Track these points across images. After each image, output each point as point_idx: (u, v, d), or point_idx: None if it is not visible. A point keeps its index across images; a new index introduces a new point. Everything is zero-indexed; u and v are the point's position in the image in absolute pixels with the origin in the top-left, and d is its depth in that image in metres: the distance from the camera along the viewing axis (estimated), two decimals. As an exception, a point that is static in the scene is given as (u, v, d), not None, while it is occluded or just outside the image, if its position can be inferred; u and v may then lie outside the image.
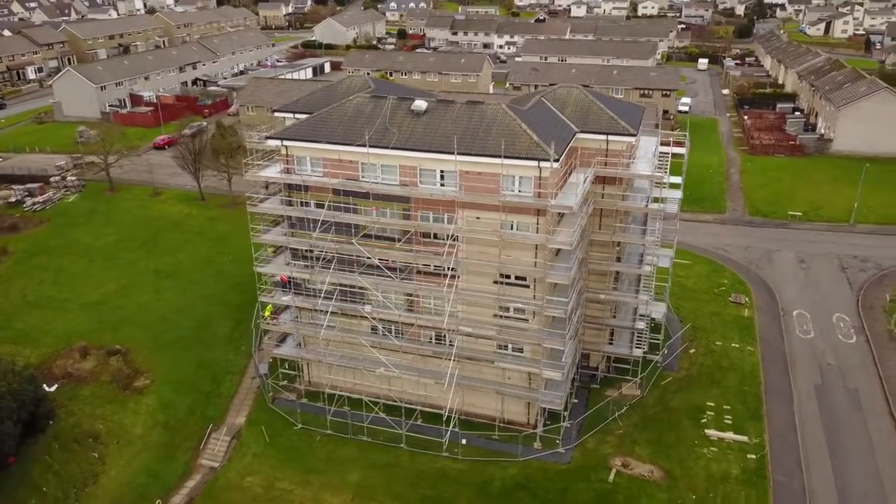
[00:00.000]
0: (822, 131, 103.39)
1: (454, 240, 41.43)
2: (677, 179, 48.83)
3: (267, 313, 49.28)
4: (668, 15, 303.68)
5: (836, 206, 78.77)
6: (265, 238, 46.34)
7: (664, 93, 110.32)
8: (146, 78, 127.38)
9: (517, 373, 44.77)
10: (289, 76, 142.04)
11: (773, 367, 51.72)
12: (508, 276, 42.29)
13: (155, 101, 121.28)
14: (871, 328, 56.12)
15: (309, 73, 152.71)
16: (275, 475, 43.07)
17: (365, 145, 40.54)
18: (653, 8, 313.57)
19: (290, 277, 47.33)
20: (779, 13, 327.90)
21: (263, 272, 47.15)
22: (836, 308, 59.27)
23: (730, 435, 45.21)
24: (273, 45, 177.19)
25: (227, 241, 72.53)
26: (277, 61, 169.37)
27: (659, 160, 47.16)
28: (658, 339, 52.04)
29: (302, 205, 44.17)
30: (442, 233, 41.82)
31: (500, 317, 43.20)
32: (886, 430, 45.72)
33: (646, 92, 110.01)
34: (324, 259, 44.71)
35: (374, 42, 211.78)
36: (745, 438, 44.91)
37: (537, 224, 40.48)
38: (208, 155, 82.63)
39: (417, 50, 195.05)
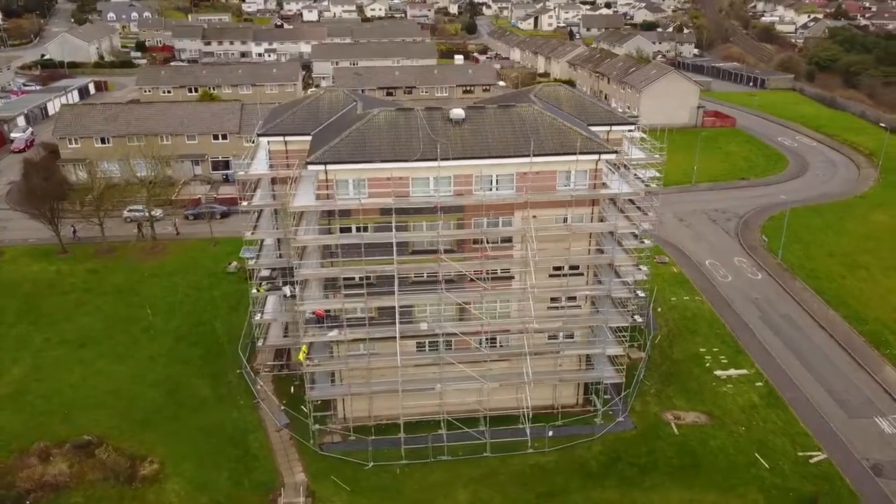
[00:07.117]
0: (621, 110, 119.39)
1: (509, 241, 42.53)
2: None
3: (301, 356, 44.80)
4: (397, 16, 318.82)
5: (674, 171, 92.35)
6: (304, 273, 42.23)
7: (484, 88, 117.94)
8: None
9: (568, 358, 47.19)
10: (56, 101, 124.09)
11: (723, 309, 60.73)
12: (561, 268, 44.37)
13: None
14: (765, 264, 68.39)
15: (76, 97, 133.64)
16: (379, 519, 40.28)
17: (436, 159, 39.51)
18: (380, 10, 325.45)
19: (326, 311, 43.93)
20: (486, 11, 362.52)
21: (303, 310, 43.04)
22: (731, 253, 70.89)
23: (733, 371, 52.62)
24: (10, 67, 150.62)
25: (133, 293, 62.94)
26: (25, 85, 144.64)
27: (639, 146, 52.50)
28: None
29: (341, 230, 41.48)
30: (506, 236, 42.52)
31: (558, 307, 45.09)
32: (825, 339, 56.84)
33: (468, 88, 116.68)
34: (369, 283, 42.55)
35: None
36: (745, 371, 52.66)
37: (592, 213, 43.24)
38: (33, 199, 70.40)
39: (171, 63, 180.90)
